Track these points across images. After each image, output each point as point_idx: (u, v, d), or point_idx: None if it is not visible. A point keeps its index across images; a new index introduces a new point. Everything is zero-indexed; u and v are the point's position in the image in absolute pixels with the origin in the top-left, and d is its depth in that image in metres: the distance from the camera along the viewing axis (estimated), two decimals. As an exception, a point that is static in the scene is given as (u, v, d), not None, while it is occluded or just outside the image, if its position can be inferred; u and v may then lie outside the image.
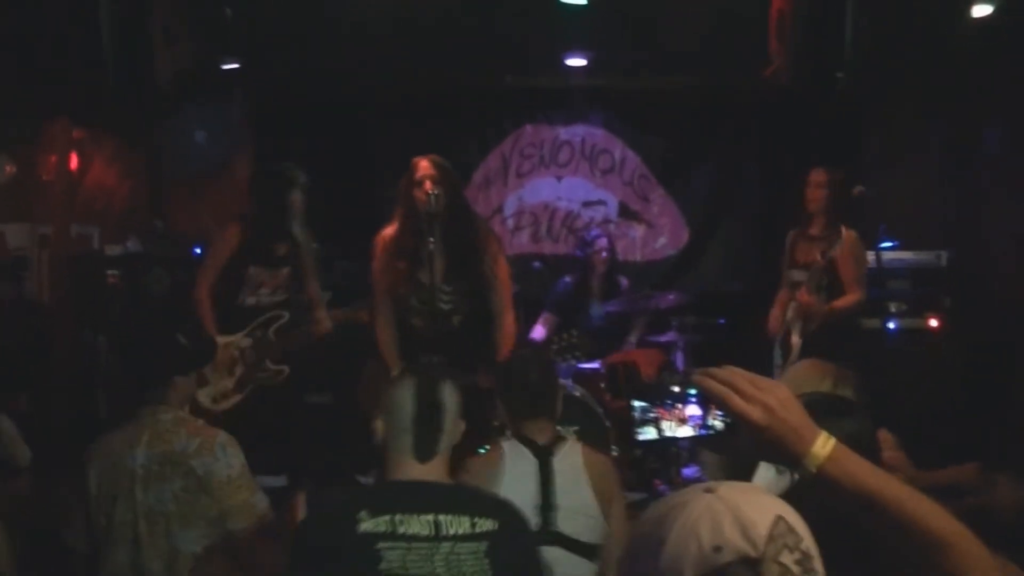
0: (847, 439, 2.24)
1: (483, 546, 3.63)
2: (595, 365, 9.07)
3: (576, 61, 10.32)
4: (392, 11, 8.72)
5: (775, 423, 2.16)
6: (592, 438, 7.98)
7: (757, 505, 1.91)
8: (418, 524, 3.59)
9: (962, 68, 9.07)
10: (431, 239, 6.69)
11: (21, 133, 8.46)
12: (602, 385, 8.72)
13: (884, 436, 5.01)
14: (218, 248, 7.61)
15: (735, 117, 11.23)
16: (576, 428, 8.21)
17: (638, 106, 11.42)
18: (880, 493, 2.14)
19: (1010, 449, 4.04)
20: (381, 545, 3.54)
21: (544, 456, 4.82)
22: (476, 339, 7.06)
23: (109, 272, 9.28)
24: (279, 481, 8.11)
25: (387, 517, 3.59)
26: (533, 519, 4.49)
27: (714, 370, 2.25)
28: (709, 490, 1.93)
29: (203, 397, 7.23)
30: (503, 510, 3.86)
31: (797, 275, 8.20)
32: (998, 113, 9.48)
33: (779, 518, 1.89)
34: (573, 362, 8.23)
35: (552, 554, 4.52)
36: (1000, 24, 8.00)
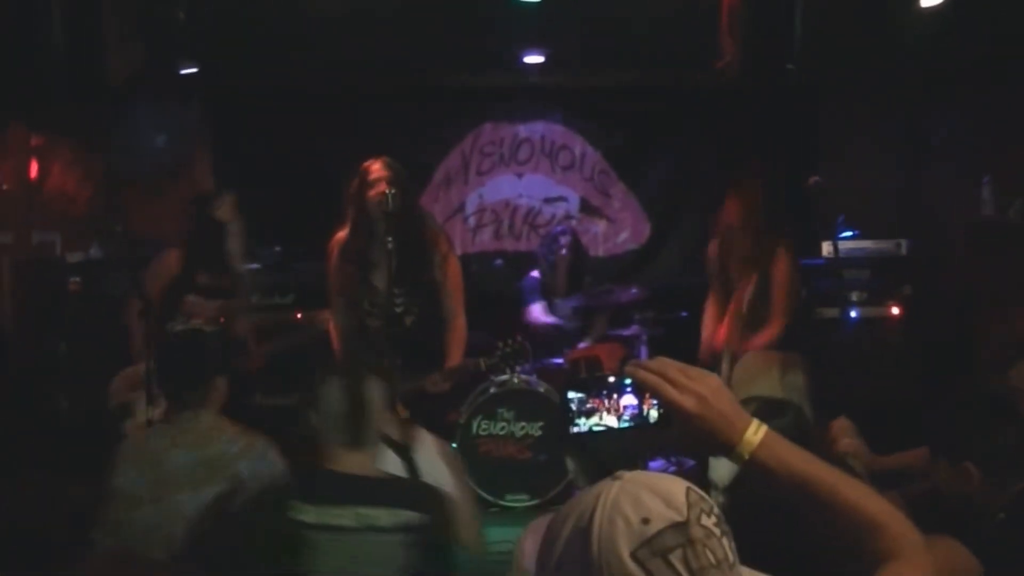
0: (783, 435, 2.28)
1: (401, 537, 3.81)
2: (558, 360, 9.14)
3: (533, 59, 10.35)
4: (349, 12, 8.71)
5: (707, 412, 2.21)
6: (556, 433, 8.06)
7: (665, 480, 1.98)
8: (345, 516, 3.78)
9: (914, 57, 9.12)
10: (389, 239, 6.66)
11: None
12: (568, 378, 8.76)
13: (842, 424, 5.07)
14: (154, 274, 7.51)
15: (692, 110, 11.23)
16: (541, 424, 8.29)
17: (596, 102, 11.46)
18: (811, 478, 2.19)
19: (953, 433, 4.08)
20: (309, 534, 3.74)
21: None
22: (430, 339, 7.08)
23: (71, 279, 9.28)
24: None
25: (317, 507, 3.78)
26: None
27: (646, 361, 2.29)
28: (616, 478, 1.99)
29: (129, 428, 7.17)
30: (427, 501, 4.03)
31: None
32: (951, 100, 9.55)
33: (688, 488, 1.96)
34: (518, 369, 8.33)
35: None
36: (951, 12, 8.04)
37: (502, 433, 8.43)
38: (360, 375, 4.27)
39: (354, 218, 7.12)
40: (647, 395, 2.28)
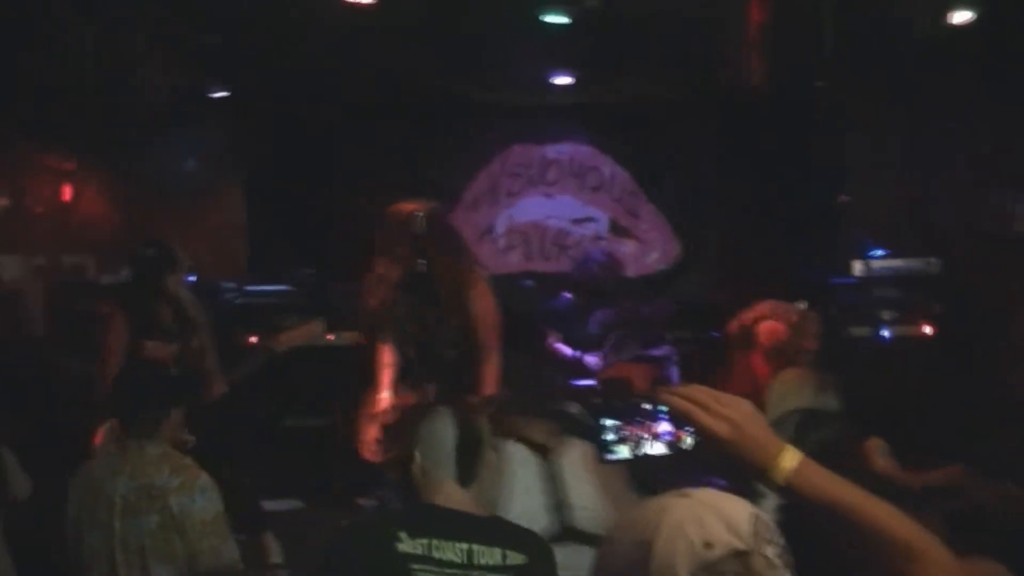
0: (824, 449, 2.28)
1: None
2: (590, 382, 9.11)
3: (562, 80, 10.35)
4: (379, 35, 8.74)
5: (740, 437, 2.21)
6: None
7: (734, 504, 1.98)
8: (452, 551, 3.73)
9: (943, 73, 9.10)
10: (421, 261, 6.69)
11: (12, 165, 8.50)
12: (596, 401, 8.74)
13: (875, 444, 5.05)
14: (111, 331, 7.40)
15: (720, 129, 11.23)
16: (573, 444, 8.27)
17: (624, 121, 11.42)
18: (847, 503, 2.17)
19: (987, 450, 4.07)
20: (415, 567, 3.67)
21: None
22: (464, 367, 7.06)
23: (103, 302, 9.32)
24: (290, 504, 8.21)
25: (424, 540, 3.72)
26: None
27: (679, 388, 2.29)
28: (684, 495, 1.99)
29: None
30: (533, 545, 3.95)
31: None
32: (980, 116, 9.52)
33: (755, 515, 1.96)
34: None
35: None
36: (979, 28, 8.03)
37: (534, 453, 8.41)
38: (473, 411, 4.28)
39: (384, 248, 7.10)
40: (680, 422, 2.28)
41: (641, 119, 11.33)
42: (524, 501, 4.54)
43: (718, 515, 1.93)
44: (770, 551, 1.92)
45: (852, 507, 2.18)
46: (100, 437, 7.24)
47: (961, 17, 8.09)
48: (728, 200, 11.36)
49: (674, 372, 9.20)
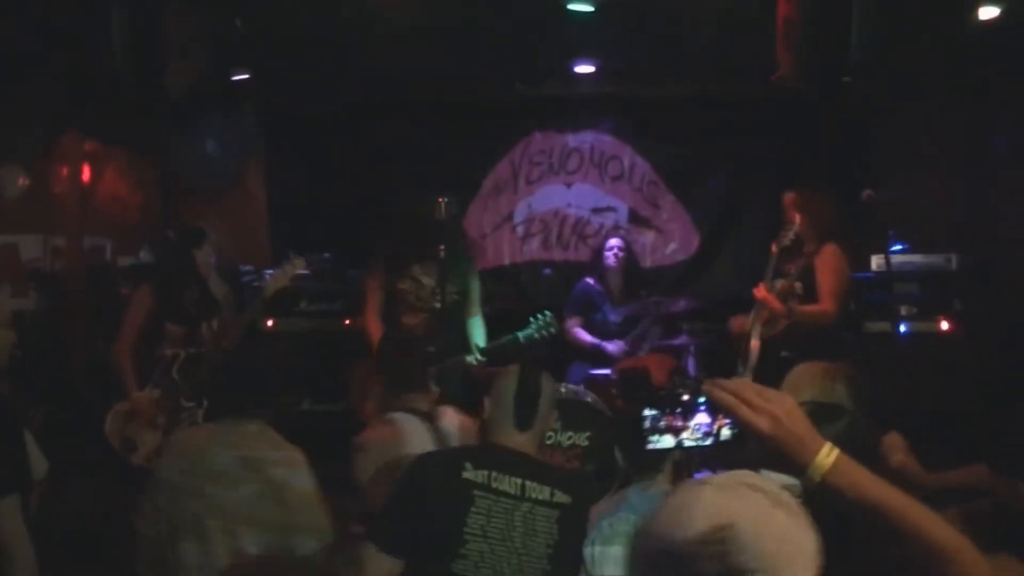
0: (837, 443, 2.29)
1: (556, 513, 4.32)
2: (607, 371, 9.12)
3: (584, 68, 10.34)
4: (401, 21, 8.72)
5: (781, 433, 2.22)
6: (604, 444, 8.03)
7: (712, 508, 2.04)
8: (508, 483, 4.30)
9: (970, 69, 9.07)
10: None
11: (34, 146, 8.52)
12: (613, 391, 8.74)
13: (894, 440, 5.04)
14: (134, 308, 7.67)
15: (744, 123, 11.15)
16: (588, 434, 8.25)
17: (646, 113, 11.41)
18: (883, 503, 2.18)
19: (1009, 449, 4.06)
20: (476, 493, 4.25)
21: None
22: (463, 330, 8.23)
23: (121, 283, 9.35)
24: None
25: (485, 471, 4.30)
26: None
27: (723, 381, 2.30)
28: (701, 484, 2.07)
29: (139, 460, 7.22)
30: (578, 487, 4.51)
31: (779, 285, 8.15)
32: (1007, 114, 9.48)
33: (721, 527, 2.00)
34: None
35: None
36: (1007, 24, 8.00)
37: (549, 443, 8.32)
38: (535, 370, 4.80)
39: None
40: (721, 414, 2.31)
41: (664, 110, 11.31)
42: None
43: (681, 515, 2.05)
44: (709, 566, 1.99)
45: (889, 507, 2.18)
46: (109, 421, 7.33)
47: (987, 13, 8.07)
48: (751, 192, 11.31)
49: (691, 363, 9.20)
